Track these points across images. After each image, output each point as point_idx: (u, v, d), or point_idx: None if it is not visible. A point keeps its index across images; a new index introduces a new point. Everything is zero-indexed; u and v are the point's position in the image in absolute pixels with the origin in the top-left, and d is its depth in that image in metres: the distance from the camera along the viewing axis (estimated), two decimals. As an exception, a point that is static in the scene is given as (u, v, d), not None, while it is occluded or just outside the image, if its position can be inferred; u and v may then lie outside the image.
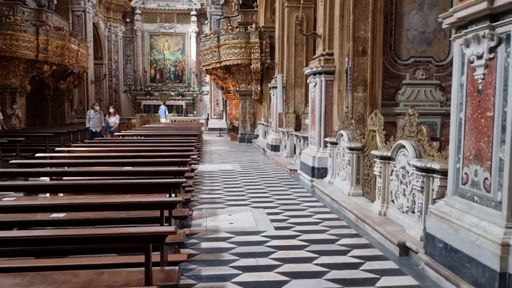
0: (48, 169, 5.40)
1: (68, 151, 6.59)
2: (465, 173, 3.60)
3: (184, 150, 6.99)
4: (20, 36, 15.63)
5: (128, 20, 29.07)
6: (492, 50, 3.25)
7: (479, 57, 3.38)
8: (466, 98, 3.61)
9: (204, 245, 4.77)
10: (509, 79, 3.09)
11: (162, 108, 25.67)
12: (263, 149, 14.78)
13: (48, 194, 4.99)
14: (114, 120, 14.51)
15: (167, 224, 3.58)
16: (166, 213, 3.80)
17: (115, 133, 13.05)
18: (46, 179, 5.41)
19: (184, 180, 4.34)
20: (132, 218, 3.83)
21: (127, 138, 11.05)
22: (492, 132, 3.26)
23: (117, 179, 4.41)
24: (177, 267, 2.82)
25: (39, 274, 2.59)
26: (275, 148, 13.53)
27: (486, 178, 3.34)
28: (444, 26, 3.87)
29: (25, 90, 16.80)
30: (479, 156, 3.43)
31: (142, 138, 10.93)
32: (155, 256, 3.19)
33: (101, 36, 25.66)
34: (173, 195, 4.37)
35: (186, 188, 6.26)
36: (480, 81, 3.41)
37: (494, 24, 3.21)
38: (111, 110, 14.90)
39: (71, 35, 18.21)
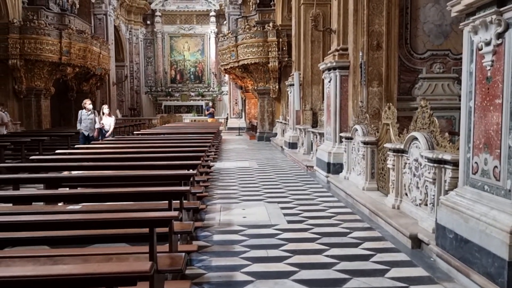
0: (67, 163, 5.60)
1: (87, 148, 6.79)
2: (475, 162, 3.55)
3: (199, 146, 7.09)
4: (44, 40, 16.12)
5: (148, 22, 29.56)
6: (499, 36, 3.20)
7: (487, 44, 3.33)
8: (475, 86, 3.56)
9: (216, 237, 4.84)
10: (517, 65, 3.04)
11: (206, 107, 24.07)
12: (281, 147, 14.80)
13: (68, 189, 5.19)
14: (110, 121, 11.37)
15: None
16: (177, 204, 3.90)
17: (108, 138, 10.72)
18: (66, 173, 5.61)
19: (194, 172, 4.43)
20: (145, 209, 3.93)
21: (147, 135, 11.26)
22: (501, 119, 3.20)
23: (131, 172, 4.54)
24: (183, 254, 2.89)
25: (50, 259, 2.70)
26: (293, 145, 13.53)
27: (495, 167, 3.28)
28: (452, 14, 3.82)
29: (49, 92, 17.32)
30: (488, 145, 3.37)
31: (162, 136, 11.13)
32: (165, 247, 3.29)
33: (122, 39, 26.18)
34: (187, 187, 4.47)
35: (201, 183, 6.38)
36: (488, 68, 3.36)
37: (501, 9, 3.16)
38: (105, 109, 11.50)
39: (92, 38, 18.67)
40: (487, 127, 3.38)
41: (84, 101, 11.16)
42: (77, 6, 19.68)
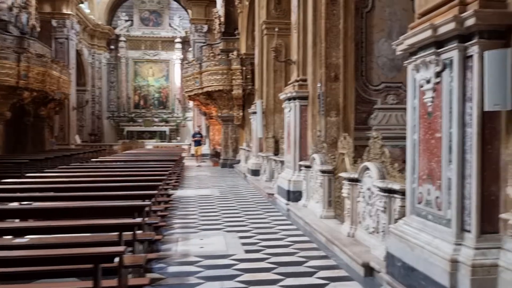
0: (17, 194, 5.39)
1: (39, 177, 6.56)
2: (420, 192, 3.72)
3: (157, 175, 7.01)
4: (0, 63, 15.64)
5: (112, 47, 29.34)
6: (438, 74, 3.43)
7: (428, 82, 3.56)
8: (418, 120, 3.77)
9: (172, 269, 4.76)
10: (453, 102, 3.26)
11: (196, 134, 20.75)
12: (244, 174, 14.82)
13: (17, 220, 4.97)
14: None
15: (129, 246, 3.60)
16: (130, 236, 3.83)
17: None
18: (16, 204, 5.38)
19: (149, 203, 4.37)
20: (95, 242, 3.82)
21: (105, 163, 11.00)
22: (441, 152, 3.40)
23: (82, 204, 4.42)
24: (131, 289, 2.82)
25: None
26: (255, 172, 13.59)
27: (437, 197, 3.45)
28: (398, 52, 4.07)
29: (4, 117, 16.68)
30: (431, 176, 3.55)
31: (121, 163, 10.91)
32: (115, 281, 3.21)
33: (84, 63, 25.80)
34: (140, 218, 4.40)
35: (159, 213, 6.27)
36: (429, 104, 3.58)
37: (439, 50, 3.40)
38: None
39: (52, 62, 18.28)
40: (430, 159, 3.57)
41: None
42: (38, 29, 19.29)
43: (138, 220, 3.63)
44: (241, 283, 4.30)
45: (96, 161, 11.51)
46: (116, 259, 3.12)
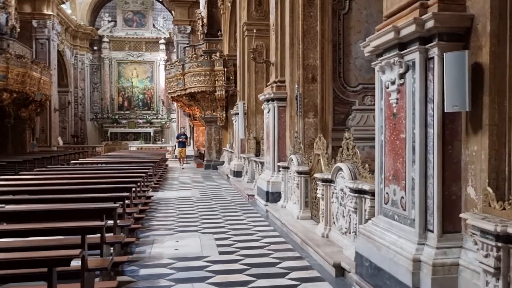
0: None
1: (10, 179, 6.46)
2: (387, 193, 3.76)
3: (133, 177, 6.95)
4: (-22, 64, 15.38)
5: (95, 48, 29.05)
6: (402, 76, 3.48)
7: (392, 83, 3.61)
8: (385, 121, 3.81)
9: (143, 271, 4.72)
10: (416, 103, 3.31)
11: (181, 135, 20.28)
12: (227, 175, 14.80)
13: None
14: None
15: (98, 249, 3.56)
16: (97, 239, 3.79)
17: None
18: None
19: (117, 205, 4.33)
20: (57, 245, 3.76)
21: (84, 165, 10.88)
22: (405, 153, 3.44)
23: (50, 207, 4.35)
24: (92, 293, 2.79)
25: None
26: (238, 174, 13.58)
27: (402, 197, 3.50)
28: (365, 54, 4.11)
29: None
30: (396, 176, 3.60)
31: (100, 165, 10.80)
32: (77, 284, 3.18)
33: (66, 64, 25.48)
34: (111, 221, 4.37)
35: (135, 215, 6.22)
36: (394, 105, 3.62)
37: (402, 52, 3.44)
38: None
39: (32, 63, 18.02)
40: (395, 160, 3.61)
41: None
42: (18, 30, 18.99)
43: (103, 222, 3.59)
44: (212, 285, 4.29)
45: (75, 163, 11.37)
46: (79, 263, 3.10)
